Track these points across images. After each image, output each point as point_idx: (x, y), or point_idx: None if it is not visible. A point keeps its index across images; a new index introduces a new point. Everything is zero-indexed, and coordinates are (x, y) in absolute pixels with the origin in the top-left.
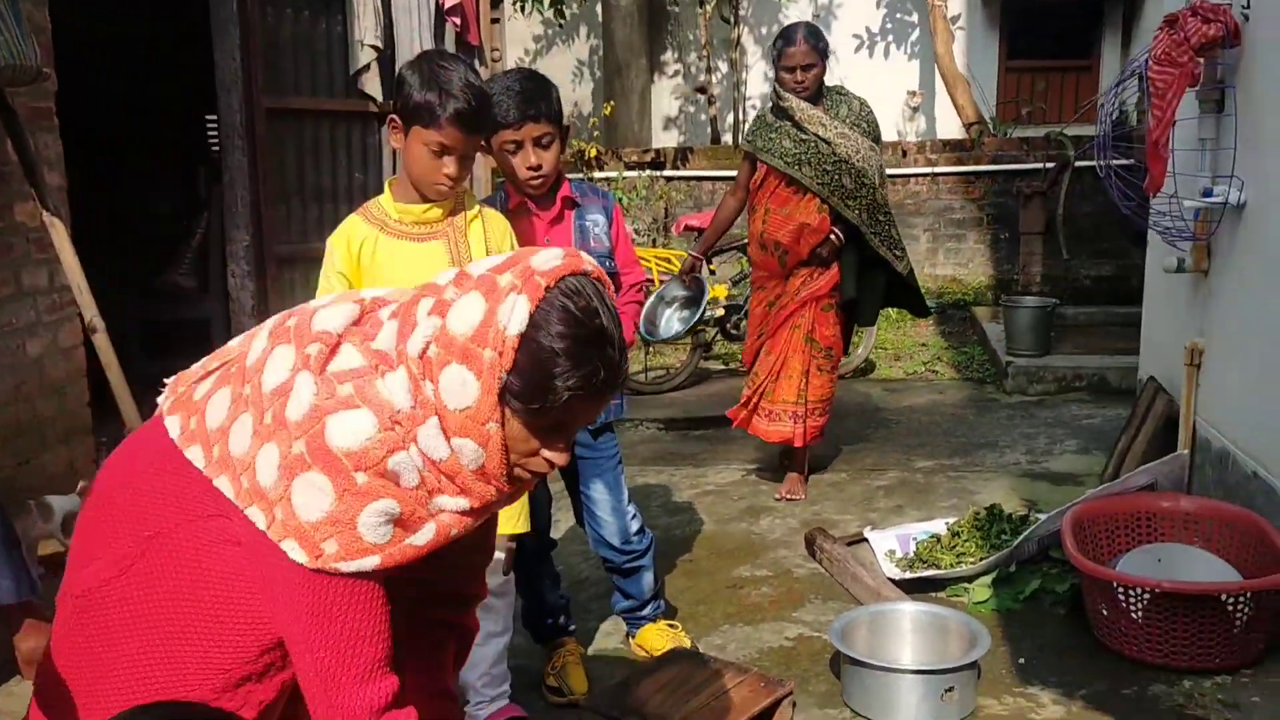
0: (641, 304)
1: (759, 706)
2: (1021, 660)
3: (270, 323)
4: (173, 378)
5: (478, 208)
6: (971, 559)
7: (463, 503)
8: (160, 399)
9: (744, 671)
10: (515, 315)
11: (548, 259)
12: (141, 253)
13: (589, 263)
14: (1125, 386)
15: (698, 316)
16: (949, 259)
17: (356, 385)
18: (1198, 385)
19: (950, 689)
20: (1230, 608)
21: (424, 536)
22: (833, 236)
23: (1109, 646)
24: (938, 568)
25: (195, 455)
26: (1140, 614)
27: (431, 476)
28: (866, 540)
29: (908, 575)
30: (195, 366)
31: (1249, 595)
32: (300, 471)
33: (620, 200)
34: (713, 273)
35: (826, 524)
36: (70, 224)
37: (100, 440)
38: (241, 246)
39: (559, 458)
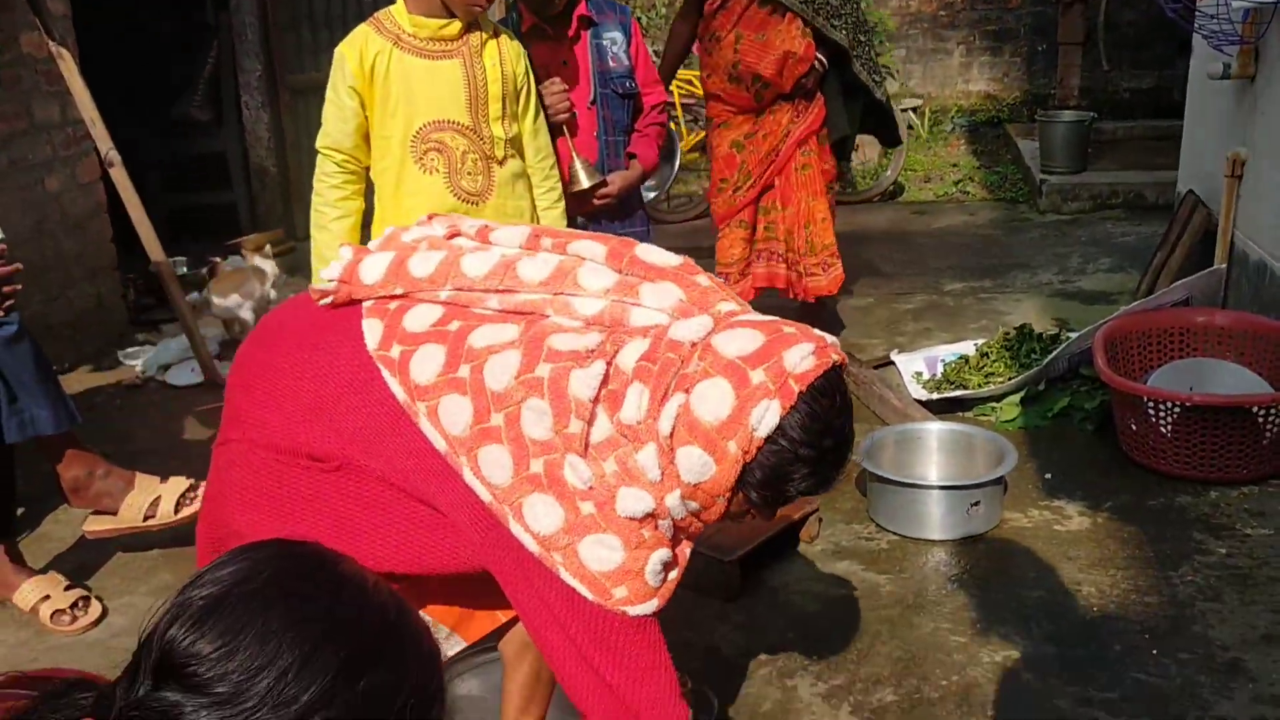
0: (664, 125)
1: (787, 521)
2: (1048, 475)
3: (495, 272)
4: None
5: (493, 28)
6: (1000, 379)
7: (684, 538)
8: (334, 271)
9: None
10: (766, 420)
11: (801, 359)
12: (153, 86)
13: (836, 353)
14: (1163, 203)
15: (672, 175)
16: (983, 74)
17: (620, 460)
18: (1238, 197)
19: (976, 503)
20: (1260, 419)
21: (676, 571)
22: (817, 64)
23: (1136, 461)
24: (965, 388)
25: (411, 405)
26: (1169, 428)
27: (677, 530)
28: (893, 363)
29: (935, 396)
30: (379, 256)
31: (1279, 407)
32: (592, 532)
33: (639, 20)
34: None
35: (853, 348)
36: (78, 55)
37: (127, 276)
38: (254, 76)
39: (765, 519)
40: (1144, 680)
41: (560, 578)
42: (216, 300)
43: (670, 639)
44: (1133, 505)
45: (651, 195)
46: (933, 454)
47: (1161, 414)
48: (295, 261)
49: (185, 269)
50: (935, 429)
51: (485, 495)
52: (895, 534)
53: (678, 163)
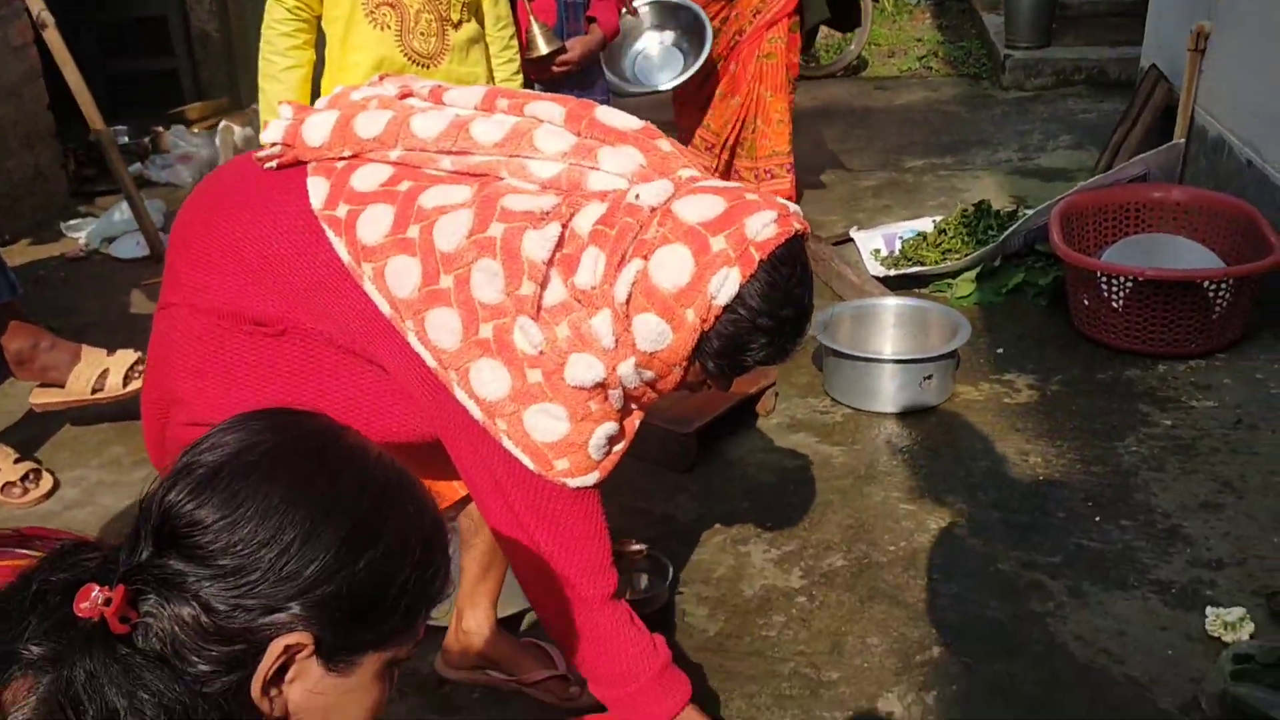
0: None
1: (743, 395)
2: (1000, 350)
3: (447, 133)
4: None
5: None
6: (957, 255)
7: (636, 408)
8: (275, 133)
9: None
10: (725, 289)
11: (763, 227)
12: None
13: (799, 221)
14: (1126, 79)
15: (699, 61)
16: None
17: (573, 325)
18: (1200, 71)
19: (929, 377)
20: (1210, 294)
21: (622, 444)
22: None
23: (1088, 336)
24: (923, 264)
25: (355, 267)
26: (1121, 303)
27: (626, 400)
28: (852, 240)
29: (892, 273)
30: (323, 116)
31: (1230, 282)
32: (538, 400)
33: None
34: None
35: (812, 225)
36: None
37: (67, 146)
38: None
39: (720, 389)
40: (1086, 545)
41: (503, 446)
42: None
43: (627, 508)
44: (1082, 379)
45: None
46: (888, 329)
47: (1114, 289)
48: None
49: (127, 138)
50: (891, 304)
51: (431, 361)
52: (849, 407)
53: None
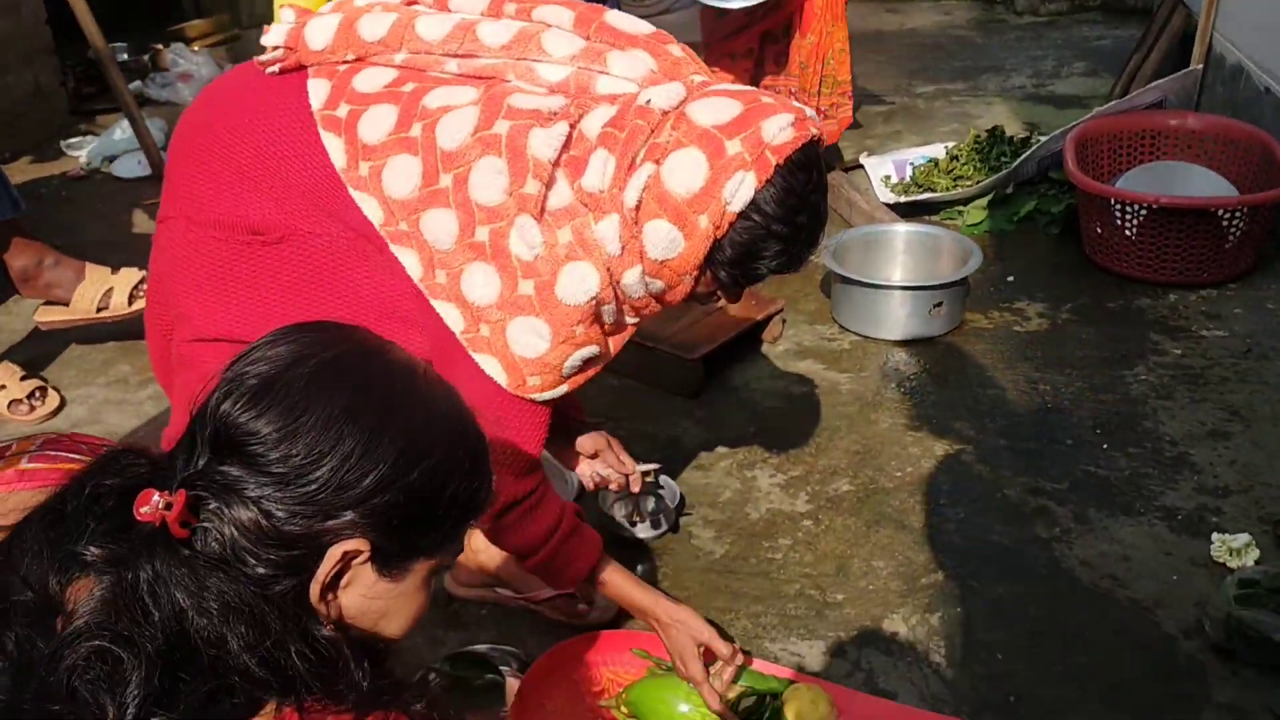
0: None
1: (750, 322)
2: (1011, 278)
3: (453, 35)
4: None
5: None
6: (969, 182)
7: (634, 320)
8: (276, 37)
9: None
10: (740, 194)
11: (780, 130)
12: None
13: (815, 126)
14: (1142, 5)
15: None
16: None
17: (576, 231)
18: None
19: (938, 304)
20: (1225, 223)
21: (602, 363)
22: None
23: (1099, 264)
24: (933, 191)
25: (366, 202)
26: (1134, 231)
27: (623, 311)
28: (862, 166)
29: (903, 199)
30: (326, 19)
31: (1245, 210)
32: (526, 313)
33: None
34: None
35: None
36: None
37: (66, 64)
38: None
39: (730, 301)
40: (1092, 471)
41: (475, 364)
42: None
43: (635, 432)
44: (1092, 307)
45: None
46: (898, 256)
47: (1128, 216)
48: (239, 51)
49: (126, 56)
50: (901, 231)
51: (415, 269)
52: (857, 335)
53: None
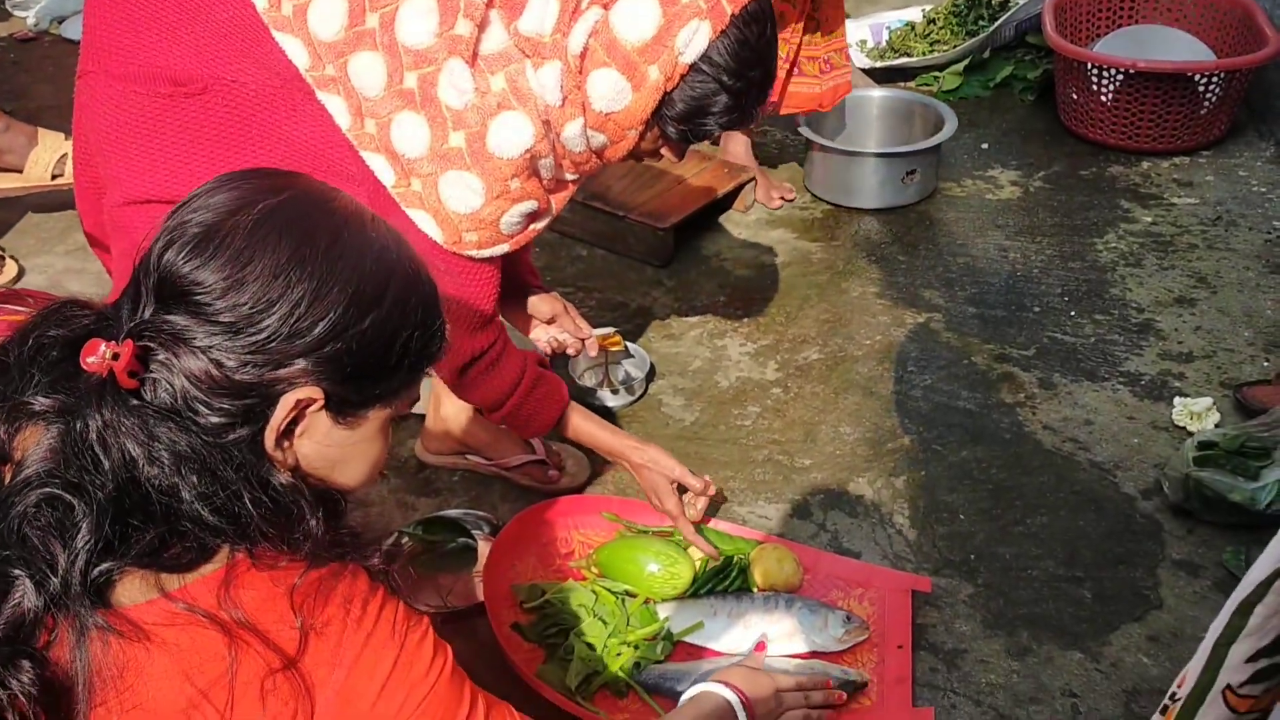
0: None
1: (723, 190)
2: (985, 146)
3: None
4: None
5: None
6: (945, 46)
7: (574, 177)
8: None
9: (708, 159)
10: (694, 44)
11: None
12: None
13: None
14: None
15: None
16: None
17: (510, 79)
18: None
19: (912, 172)
20: (1201, 88)
21: (545, 220)
22: None
23: (1074, 131)
24: (910, 56)
25: (290, 44)
26: (1110, 96)
27: (562, 167)
28: None
29: (878, 64)
30: None
31: (1221, 75)
32: (457, 167)
33: None
34: None
35: None
36: None
37: None
38: None
39: (675, 158)
40: (1059, 339)
41: (409, 218)
42: None
43: (605, 302)
44: (1065, 174)
45: None
46: (872, 122)
47: (1104, 81)
48: None
49: None
50: (876, 97)
51: (344, 118)
52: (830, 203)
53: None
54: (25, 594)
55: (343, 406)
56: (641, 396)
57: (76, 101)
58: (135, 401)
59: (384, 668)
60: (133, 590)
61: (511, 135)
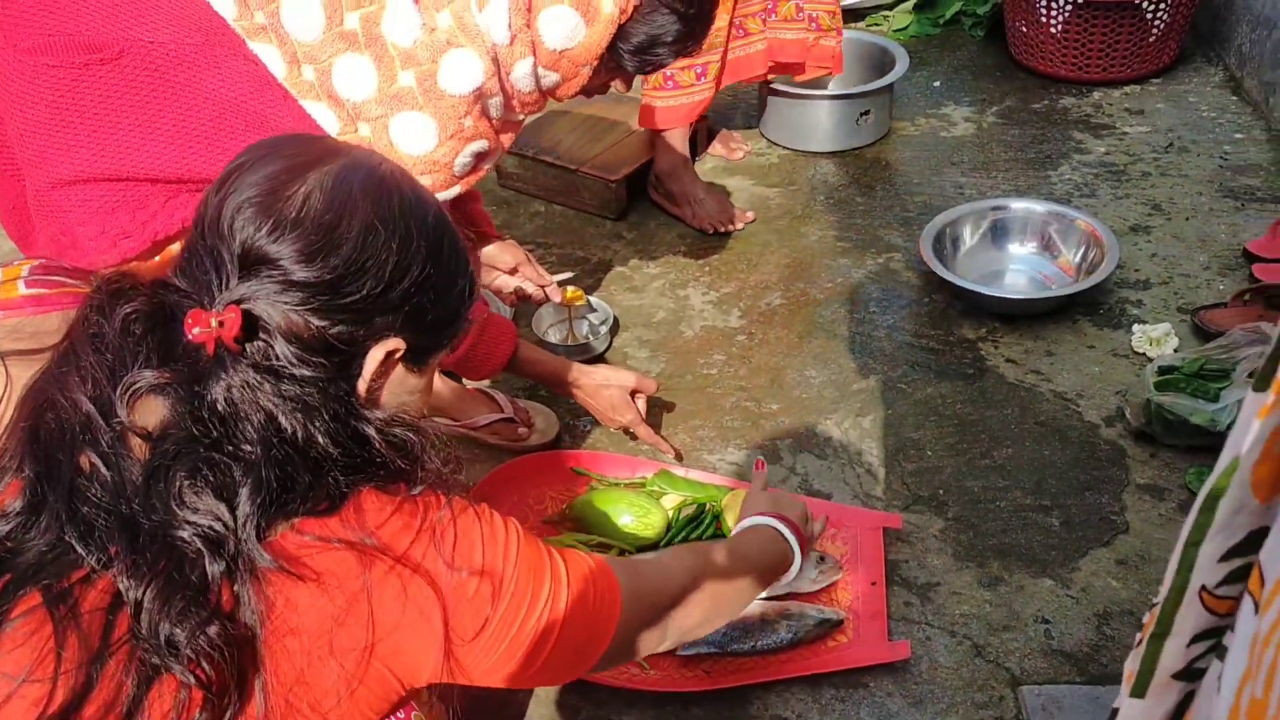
0: None
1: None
2: (936, 84)
3: None
4: None
5: None
6: None
7: (521, 117)
8: None
9: None
10: None
11: None
12: None
13: None
14: None
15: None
16: None
17: (456, 15)
18: None
19: (865, 113)
20: (1148, 16)
21: (493, 159)
22: None
23: (1024, 65)
24: None
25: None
26: (1059, 27)
27: (512, 107)
28: None
29: None
30: None
31: (1168, 1)
32: (409, 108)
33: None
34: None
35: None
36: None
37: None
38: None
39: (623, 89)
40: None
41: None
42: None
43: (566, 257)
44: (1018, 108)
45: None
46: None
47: (1053, 13)
48: None
49: None
50: None
51: (279, 66)
52: (786, 148)
53: None
54: (205, 559)
55: (418, 354)
56: (606, 350)
57: None
58: (248, 363)
59: (478, 545)
60: (271, 532)
61: (462, 72)
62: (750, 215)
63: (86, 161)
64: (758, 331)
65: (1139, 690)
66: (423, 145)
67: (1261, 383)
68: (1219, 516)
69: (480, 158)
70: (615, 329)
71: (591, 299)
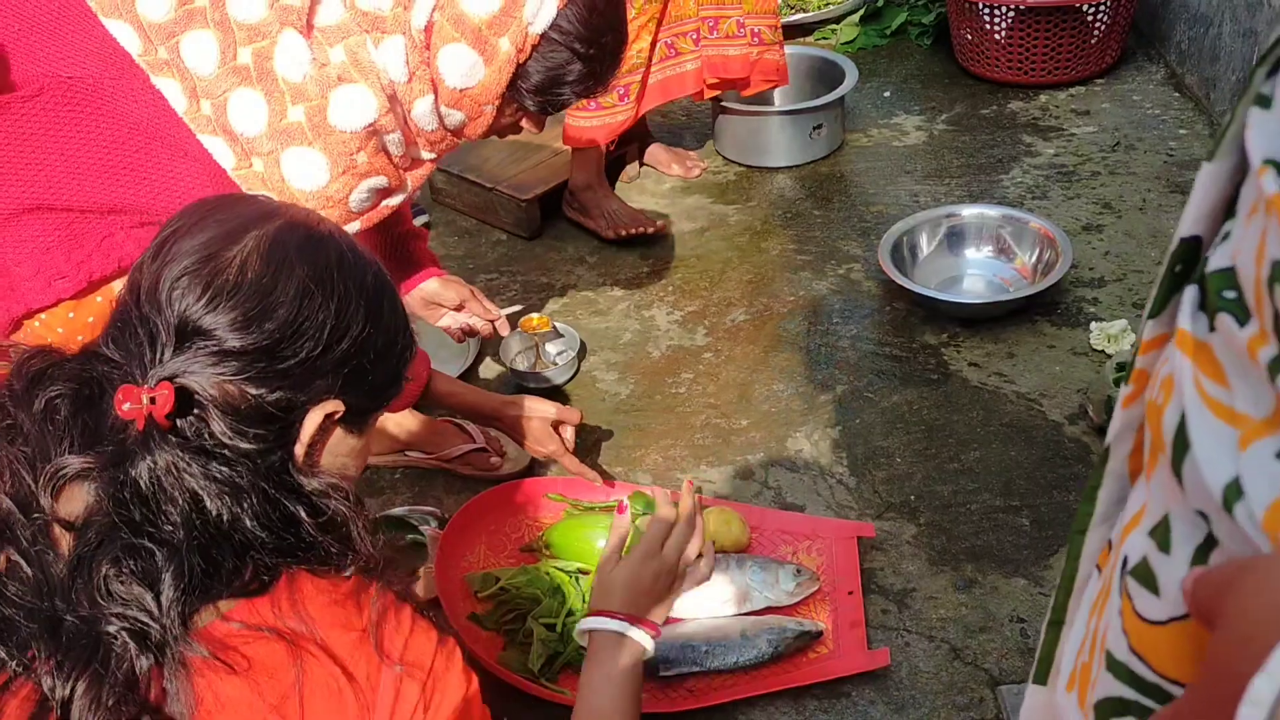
0: None
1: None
2: (887, 94)
3: None
4: None
5: None
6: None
7: (431, 156)
8: None
9: None
10: (543, 13)
11: None
12: None
13: None
14: None
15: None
16: None
17: (350, 51)
18: None
19: (818, 126)
20: (1090, 17)
21: (399, 197)
22: None
23: (971, 71)
24: (805, 11)
25: (120, 30)
26: (1003, 33)
27: (416, 145)
28: None
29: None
30: None
31: (1108, 3)
32: (297, 143)
33: None
34: None
35: None
36: None
37: None
38: None
39: (535, 130)
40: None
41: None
42: None
43: (530, 284)
44: (967, 115)
45: None
46: None
47: (997, 19)
48: None
49: None
50: None
51: (179, 100)
52: (741, 165)
53: None
54: (131, 651)
55: (356, 415)
56: (575, 375)
57: None
58: (176, 440)
59: (425, 671)
60: (197, 620)
61: (353, 108)
62: (662, 224)
63: (14, 196)
64: (724, 348)
65: (1040, 678)
66: (314, 181)
67: (1126, 374)
68: (1099, 508)
69: (381, 194)
70: (583, 353)
71: (558, 325)
